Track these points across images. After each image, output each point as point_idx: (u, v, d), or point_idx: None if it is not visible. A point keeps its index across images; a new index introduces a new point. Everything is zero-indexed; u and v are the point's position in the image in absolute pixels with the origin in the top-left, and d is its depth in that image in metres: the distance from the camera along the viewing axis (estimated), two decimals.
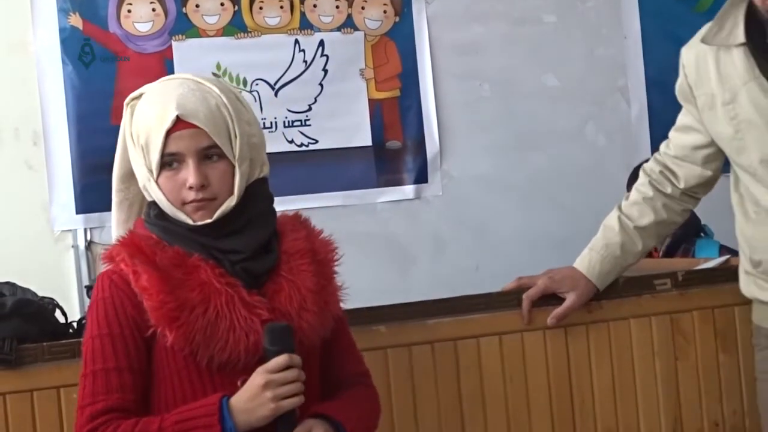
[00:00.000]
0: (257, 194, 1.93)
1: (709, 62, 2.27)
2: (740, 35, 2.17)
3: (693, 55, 2.32)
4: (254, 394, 1.79)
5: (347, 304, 2.09)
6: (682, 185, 2.44)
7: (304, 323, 1.89)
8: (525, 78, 4.04)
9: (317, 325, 1.92)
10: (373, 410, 2.05)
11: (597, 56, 4.13)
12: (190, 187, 1.85)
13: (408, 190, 3.93)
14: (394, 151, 3.93)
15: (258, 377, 1.80)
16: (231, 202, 1.87)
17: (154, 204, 1.92)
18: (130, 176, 1.98)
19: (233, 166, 1.89)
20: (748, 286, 2.39)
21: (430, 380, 2.45)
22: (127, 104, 1.95)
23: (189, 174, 1.85)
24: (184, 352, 1.83)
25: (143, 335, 1.85)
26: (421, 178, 3.94)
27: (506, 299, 2.52)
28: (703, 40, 2.27)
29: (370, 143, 3.89)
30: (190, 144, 1.85)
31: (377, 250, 3.85)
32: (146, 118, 1.88)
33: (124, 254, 1.88)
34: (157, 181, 1.88)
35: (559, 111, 4.06)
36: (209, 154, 1.87)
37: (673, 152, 2.44)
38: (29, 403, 2.20)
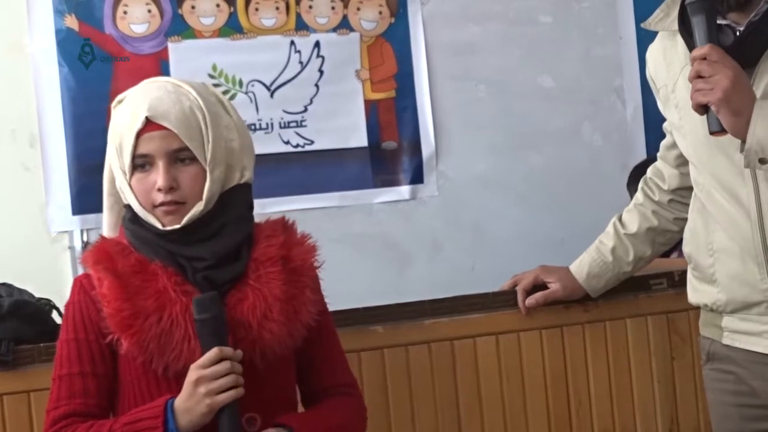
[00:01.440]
0: (234, 201, 1.91)
1: (659, 52, 2.23)
2: (676, 21, 2.13)
3: (652, 49, 2.28)
4: (190, 393, 1.77)
5: (344, 305, 2.09)
6: (666, 187, 2.40)
7: (266, 333, 1.85)
8: (521, 78, 4.04)
9: (284, 335, 1.87)
10: (351, 421, 2.00)
11: (593, 57, 4.13)
12: (159, 189, 1.84)
13: (404, 190, 3.93)
14: (390, 152, 3.93)
15: (191, 374, 1.78)
16: (199, 207, 1.85)
17: (128, 207, 1.91)
18: None
19: (206, 170, 1.87)
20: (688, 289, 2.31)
21: (427, 380, 2.45)
22: (114, 108, 1.95)
23: (158, 176, 1.84)
24: (139, 360, 1.82)
25: (106, 341, 1.85)
26: (417, 178, 3.94)
27: (503, 299, 2.53)
28: (645, 25, 2.23)
29: (366, 144, 3.89)
30: (160, 145, 1.84)
31: (373, 250, 3.85)
32: (121, 119, 1.88)
33: (90, 261, 1.88)
34: (129, 184, 1.87)
35: (555, 111, 4.06)
36: (180, 156, 1.86)
37: (659, 153, 2.42)
38: (26, 404, 2.20)
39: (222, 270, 1.87)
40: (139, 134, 1.84)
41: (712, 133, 1.93)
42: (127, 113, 1.87)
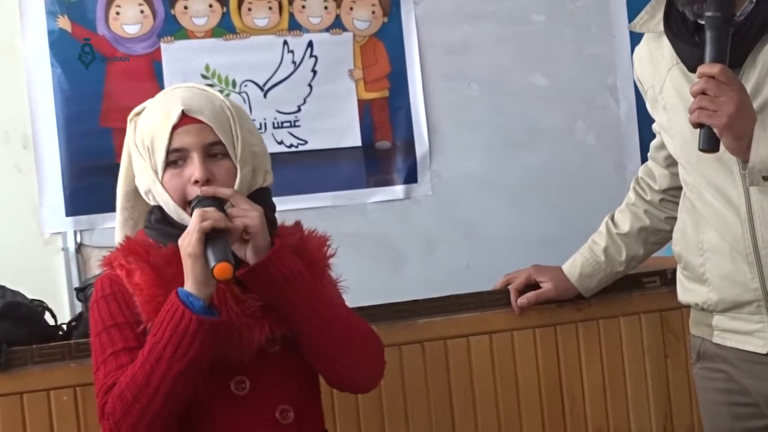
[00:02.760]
0: (259, 203, 1.93)
1: (646, 54, 2.23)
2: (662, 22, 2.14)
3: (638, 50, 2.28)
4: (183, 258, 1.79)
5: None
6: (657, 187, 2.40)
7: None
8: (514, 77, 4.04)
9: None
10: (361, 323, 2.00)
11: (586, 55, 4.13)
12: (196, 182, 1.86)
13: (398, 190, 3.93)
14: (383, 152, 3.93)
15: None
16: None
17: (156, 209, 1.93)
18: (134, 194, 2.01)
19: (236, 167, 1.91)
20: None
21: (420, 379, 2.45)
22: (131, 120, 1.99)
23: (194, 169, 1.87)
24: None
25: (139, 329, 1.85)
26: (411, 178, 3.94)
27: (496, 298, 2.53)
28: (631, 27, 2.24)
29: (359, 144, 3.89)
30: (195, 139, 1.87)
31: (367, 250, 3.85)
32: (151, 120, 1.91)
33: (121, 257, 1.89)
34: (161, 182, 1.88)
35: (548, 110, 4.06)
36: (213, 151, 1.89)
37: (649, 153, 2.42)
38: (19, 406, 2.20)
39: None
40: (174, 129, 1.87)
41: (701, 149, 1.92)
42: (158, 113, 1.90)
